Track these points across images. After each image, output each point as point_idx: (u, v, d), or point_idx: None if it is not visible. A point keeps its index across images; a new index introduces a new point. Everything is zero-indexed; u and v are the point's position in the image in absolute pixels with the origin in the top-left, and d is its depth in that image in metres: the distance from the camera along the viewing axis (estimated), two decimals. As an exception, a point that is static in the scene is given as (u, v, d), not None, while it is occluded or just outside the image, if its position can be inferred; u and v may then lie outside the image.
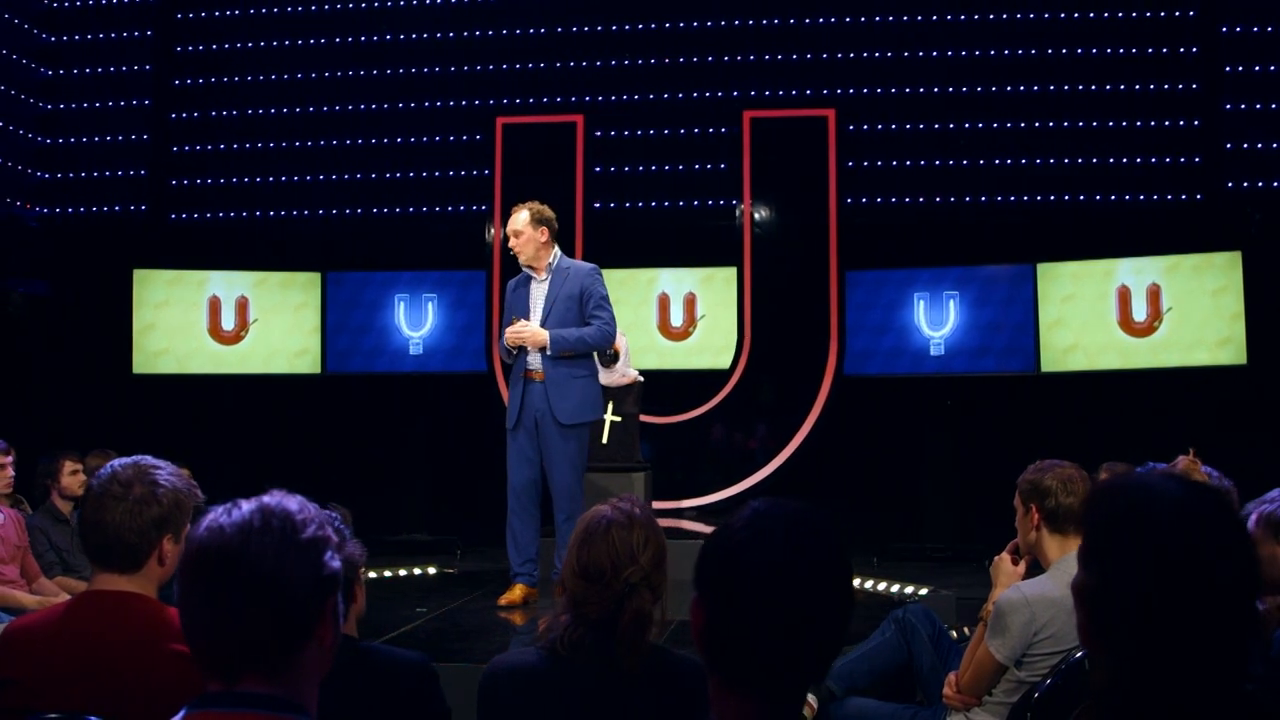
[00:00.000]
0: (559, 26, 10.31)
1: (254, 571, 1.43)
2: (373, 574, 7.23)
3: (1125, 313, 8.82)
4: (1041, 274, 9.04)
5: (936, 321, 9.27)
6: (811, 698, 3.59)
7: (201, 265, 9.73)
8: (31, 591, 5.48)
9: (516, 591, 5.69)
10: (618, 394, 7.02)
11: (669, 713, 2.20)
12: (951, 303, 9.26)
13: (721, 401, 9.09)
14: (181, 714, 1.45)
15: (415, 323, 9.88)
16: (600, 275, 5.86)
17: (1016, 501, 3.35)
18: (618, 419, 7.01)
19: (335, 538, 1.53)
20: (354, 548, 2.35)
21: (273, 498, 1.51)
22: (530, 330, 5.57)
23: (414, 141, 10.49)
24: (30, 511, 6.37)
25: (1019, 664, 3.15)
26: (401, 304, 9.90)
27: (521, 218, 5.71)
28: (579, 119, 9.44)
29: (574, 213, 9.28)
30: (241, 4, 10.69)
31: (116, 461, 2.52)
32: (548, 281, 5.73)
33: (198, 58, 10.72)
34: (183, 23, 10.75)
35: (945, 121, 9.86)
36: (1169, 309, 8.71)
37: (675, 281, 9.82)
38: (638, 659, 2.18)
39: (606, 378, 6.97)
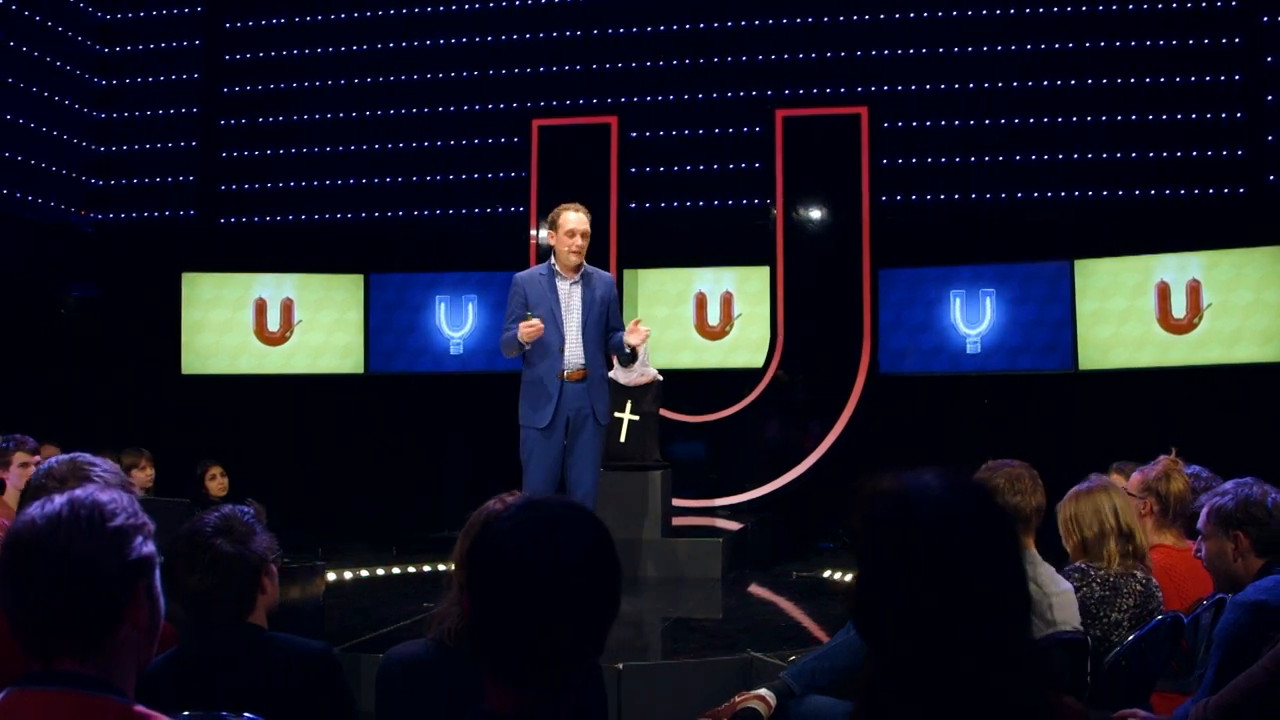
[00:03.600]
0: (593, 29, 10.38)
1: (61, 558, 1.53)
2: (396, 570, 7.38)
3: (1164, 309, 8.68)
4: (1079, 271, 8.93)
5: (973, 319, 9.19)
6: (769, 694, 3.60)
7: (248, 268, 9.99)
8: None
9: (523, 588, 5.75)
10: (636, 393, 7.05)
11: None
12: (988, 300, 9.18)
13: (754, 400, 9.07)
14: (3, 694, 1.54)
15: (456, 323, 10.04)
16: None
17: (969, 501, 3.34)
18: (636, 418, 7.04)
19: (151, 525, 1.62)
20: (261, 542, 2.43)
21: (85, 491, 1.61)
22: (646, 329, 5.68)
23: (453, 145, 10.65)
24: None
25: (961, 663, 3.14)
26: (442, 305, 10.07)
27: (587, 220, 5.73)
28: (613, 120, 9.49)
29: (609, 213, 9.34)
30: (286, 13, 10.94)
31: (55, 458, 2.65)
32: (580, 284, 5.72)
33: (245, 66, 11.00)
34: (230, 32, 11.04)
35: (980, 117, 9.74)
36: (1209, 305, 8.55)
37: (713, 281, 9.85)
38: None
39: (626, 377, 7.02)
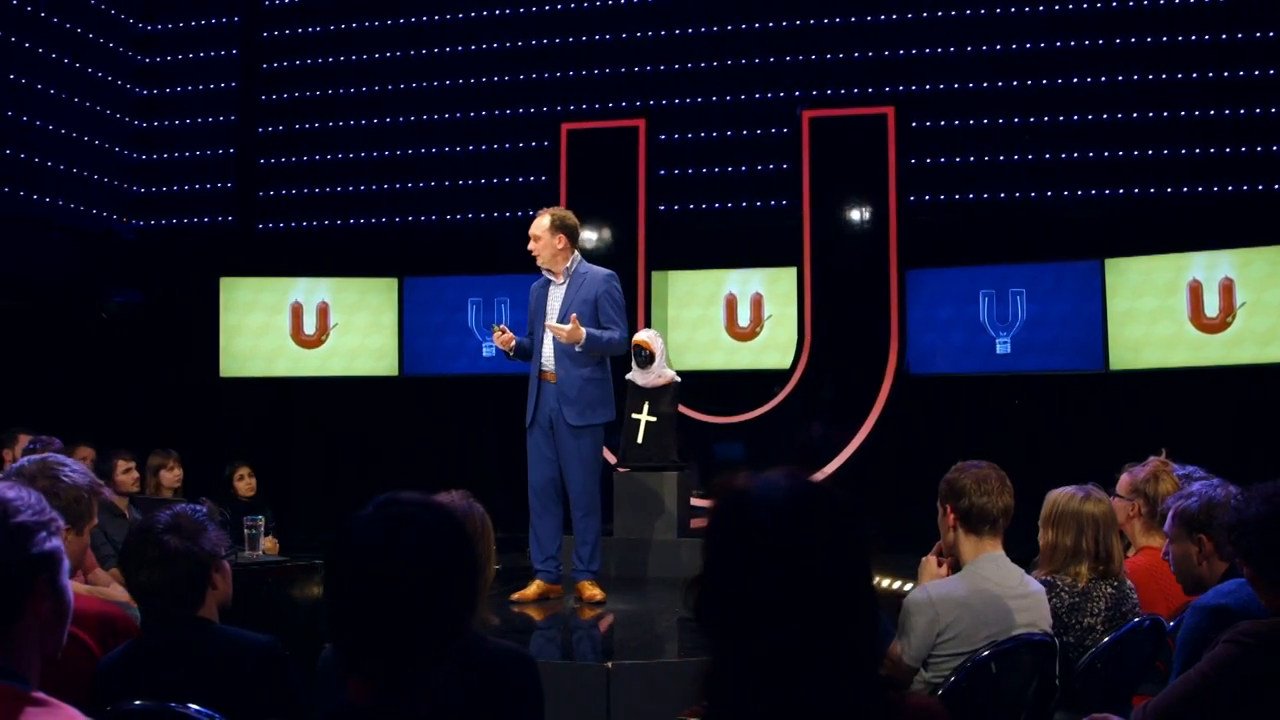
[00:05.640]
0: (621, 33, 10.43)
1: None
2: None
3: (1197, 308, 8.55)
4: (1110, 269, 8.82)
5: (1003, 319, 9.12)
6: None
7: (284, 272, 10.16)
8: (86, 581, 5.83)
9: (531, 588, 5.85)
10: (654, 394, 7.08)
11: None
12: (1018, 300, 9.10)
13: (782, 401, 9.06)
14: None
15: (488, 325, 10.14)
16: (616, 282, 5.94)
17: (938, 502, 3.36)
18: (653, 419, 7.06)
19: (60, 522, 1.69)
20: (211, 539, 2.52)
21: None
22: (569, 326, 5.67)
23: (484, 149, 10.75)
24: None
25: (925, 665, 3.15)
26: (475, 307, 10.18)
27: (541, 223, 5.84)
28: (641, 123, 9.54)
29: (637, 216, 9.40)
30: (321, 22, 11.13)
31: (26, 458, 2.75)
32: (565, 285, 5.86)
33: (281, 74, 11.21)
34: (266, 41, 11.25)
35: (1008, 115, 9.64)
36: (1242, 304, 8.41)
37: (742, 282, 9.86)
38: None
39: (643, 378, 7.06)
